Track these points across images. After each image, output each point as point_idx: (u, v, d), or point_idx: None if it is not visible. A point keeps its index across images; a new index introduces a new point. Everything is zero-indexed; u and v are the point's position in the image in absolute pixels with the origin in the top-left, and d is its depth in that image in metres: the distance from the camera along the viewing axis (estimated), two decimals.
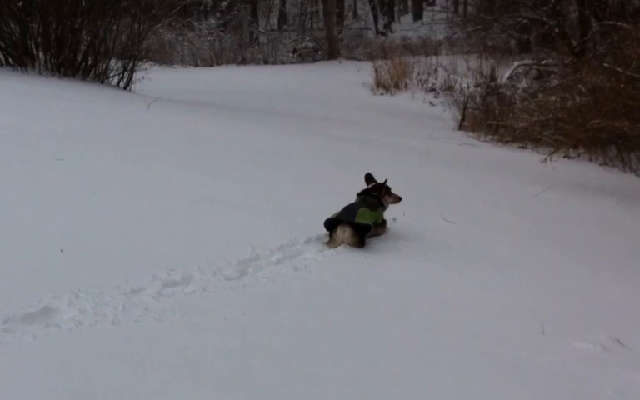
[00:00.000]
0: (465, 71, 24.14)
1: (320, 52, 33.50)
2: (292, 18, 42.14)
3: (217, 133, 11.88)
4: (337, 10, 36.70)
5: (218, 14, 36.71)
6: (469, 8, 39.70)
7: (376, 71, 24.56)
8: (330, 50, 33.21)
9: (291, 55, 33.18)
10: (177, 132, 11.36)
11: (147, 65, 18.32)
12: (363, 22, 42.92)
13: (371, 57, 29.17)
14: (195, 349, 4.50)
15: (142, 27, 17.00)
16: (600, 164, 14.08)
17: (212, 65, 31.14)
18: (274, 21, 42.66)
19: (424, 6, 48.65)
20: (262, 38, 35.45)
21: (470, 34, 28.32)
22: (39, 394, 3.83)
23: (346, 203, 7.31)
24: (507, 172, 12.62)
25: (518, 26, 25.98)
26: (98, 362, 4.21)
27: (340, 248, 6.82)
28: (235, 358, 4.45)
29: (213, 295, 5.42)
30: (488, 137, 16.45)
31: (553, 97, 15.91)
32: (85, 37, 15.76)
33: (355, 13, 47.49)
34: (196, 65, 31.03)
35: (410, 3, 51.95)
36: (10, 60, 15.03)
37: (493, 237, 8.09)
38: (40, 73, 14.89)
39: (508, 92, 19.58)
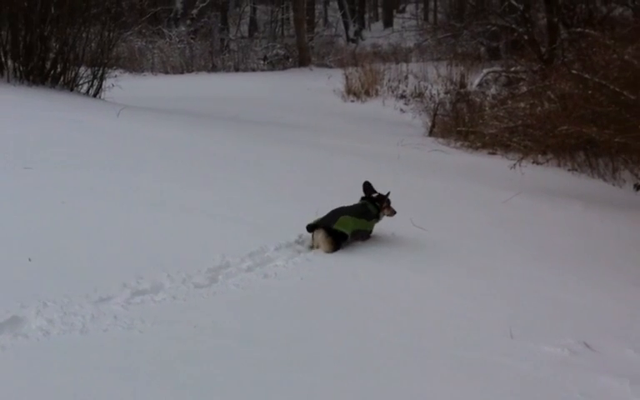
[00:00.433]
0: (435, 77, 24.25)
1: (291, 60, 33.49)
2: (263, 25, 42.09)
3: (187, 141, 11.84)
4: (307, 17, 36.72)
5: (189, 21, 36.58)
6: (439, 16, 40.05)
7: (346, 78, 24.60)
8: (301, 57, 33.21)
9: (261, 62, 33.14)
10: (146, 140, 11.31)
11: (116, 72, 18.23)
12: (334, 30, 42.94)
13: (341, 64, 29.24)
14: (165, 357, 4.48)
15: (111, 35, 16.92)
16: (568, 170, 14.21)
17: (182, 72, 31.04)
18: (245, 28, 42.58)
19: (394, 13, 48.86)
20: (233, 45, 35.35)
21: (440, 41, 28.47)
22: None
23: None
24: (476, 177, 12.69)
25: (488, 33, 26.17)
26: (67, 371, 4.18)
27: (310, 255, 6.85)
28: (205, 366, 4.44)
29: (183, 303, 5.40)
30: (458, 144, 16.53)
31: (522, 104, 16.06)
32: (54, 44, 15.64)
33: (326, 20, 47.58)
34: (166, 72, 30.90)
35: (380, 11, 52.20)
36: None
37: (463, 242, 8.13)
38: (9, 81, 14.76)
39: (478, 99, 19.70)
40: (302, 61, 32.90)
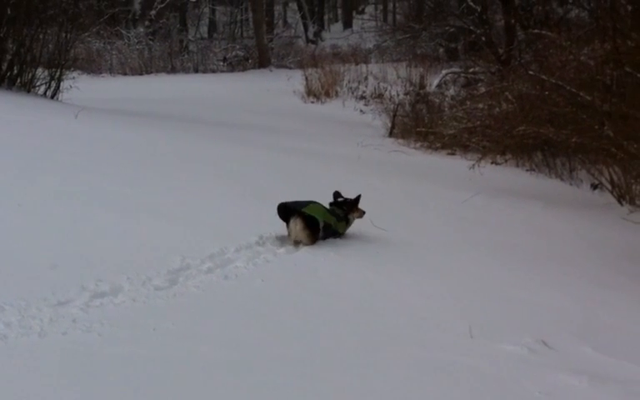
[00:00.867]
0: (394, 79, 24.34)
1: (250, 61, 33.39)
2: (222, 27, 41.90)
3: (146, 143, 11.76)
4: (266, 18, 36.64)
5: (147, 22, 36.28)
6: (398, 17, 40.19)
7: (306, 79, 24.59)
8: (260, 58, 33.15)
9: (221, 63, 33.00)
10: (105, 142, 11.21)
11: (74, 74, 18.01)
12: (293, 31, 42.90)
13: (301, 65, 29.20)
14: (124, 361, 4.45)
15: (69, 36, 16.74)
16: (527, 170, 14.33)
17: (141, 74, 30.80)
18: (204, 29, 42.38)
19: (354, 14, 48.93)
20: (192, 47, 35.13)
21: (399, 42, 28.62)
22: None
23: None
24: (436, 178, 12.76)
25: (446, 34, 26.35)
26: (25, 375, 4.14)
27: (269, 255, 6.86)
28: (165, 369, 4.42)
29: (143, 305, 5.38)
30: (418, 144, 16.59)
31: (481, 105, 16.17)
32: (10, 45, 15.45)
33: (285, 22, 47.53)
34: (125, 74, 30.64)
35: (340, 12, 52.24)
36: None
37: (423, 242, 8.18)
38: None
39: (437, 100, 19.80)
40: (262, 62, 32.84)
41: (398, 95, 21.61)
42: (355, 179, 10.71)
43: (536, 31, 17.19)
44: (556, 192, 12.58)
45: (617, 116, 11.05)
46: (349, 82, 25.40)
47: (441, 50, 28.25)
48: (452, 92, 21.19)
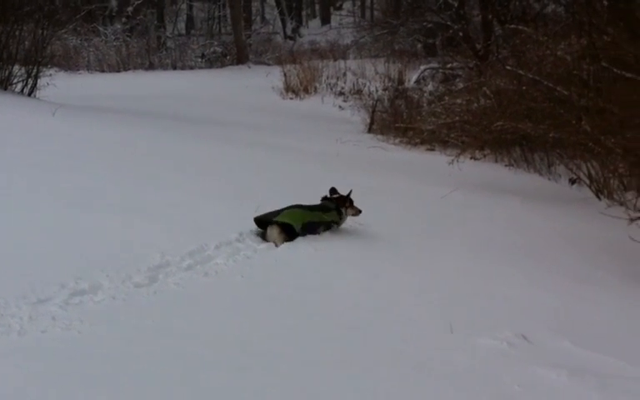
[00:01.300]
0: (373, 74, 24.37)
1: (228, 57, 33.27)
2: (200, 23, 41.71)
3: (124, 140, 11.71)
4: (244, 15, 36.53)
5: (124, 19, 36.06)
6: (376, 13, 40.20)
7: (285, 75, 24.55)
8: (238, 55, 33.02)
9: (199, 60, 32.85)
10: (83, 139, 11.16)
11: (51, 71, 17.87)
12: (271, 27, 42.81)
13: (279, 61, 29.13)
14: (104, 358, 4.44)
15: (45, 33, 16.60)
16: (505, 165, 14.40)
17: (119, 70, 30.61)
18: (182, 26, 42.21)
19: (332, 10, 48.92)
20: (170, 43, 34.96)
21: (377, 38, 28.61)
22: None
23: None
24: (415, 173, 12.80)
25: (424, 30, 26.37)
26: (4, 373, 4.12)
27: (249, 252, 6.88)
28: (145, 367, 4.41)
29: (123, 303, 5.37)
30: (397, 140, 16.63)
31: (459, 100, 16.22)
32: None
33: (263, 18, 47.39)
34: (102, 71, 30.43)
35: (317, 8, 52.20)
36: None
37: (402, 237, 8.20)
38: None
39: (416, 96, 19.86)
40: (240, 58, 32.72)
41: (377, 91, 21.66)
42: (334, 176, 10.71)
43: (513, 26, 17.19)
44: (534, 186, 12.65)
45: (594, 111, 11.13)
46: (328, 78, 25.38)
47: (419, 46, 28.31)
48: (430, 87, 21.27)
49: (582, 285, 7.35)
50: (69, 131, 11.63)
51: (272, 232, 7.33)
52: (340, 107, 22.45)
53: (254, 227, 7.45)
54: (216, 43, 34.73)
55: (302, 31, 44.38)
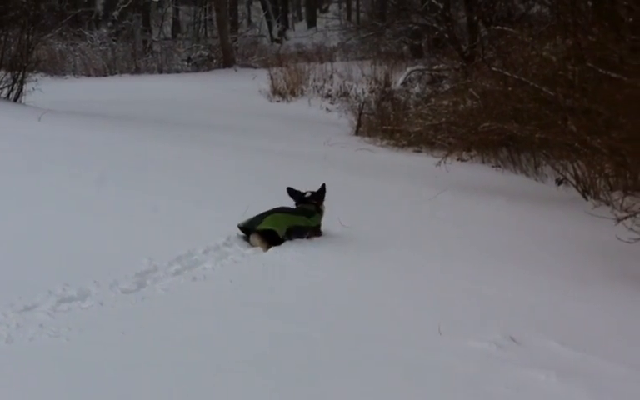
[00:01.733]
0: (360, 77, 24.41)
1: (215, 60, 33.23)
2: (186, 27, 41.74)
3: (111, 144, 11.67)
4: (230, 18, 36.55)
5: (110, 23, 36.00)
6: (362, 15, 40.25)
7: (272, 78, 24.55)
8: (225, 58, 32.99)
9: (186, 63, 32.82)
10: (70, 144, 11.11)
11: (37, 76, 17.80)
12: (258, 30, 42.88)
13: (266, 64, 29.14)
14: (92, 365, 4.42)
15: (31, 38, 16.56)
16: (492, 166, 14.43)
17: (105, 75, 30.53)
18: (168, 29, 42.15)
19: (318, 13, 48.97)
20: (156, 47, 34.92)
21: (363, 40, 28.70)
22: None
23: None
24: (403, 175, 12.81)
25: (410, 32, 26.44)
26: None
27: (237, 257, 6.87)
28: (134, 373, 4.39)
29: (111, 309, 5.35)
30: (384, 142, 16.65)
31: (446, 102, 16.27)
32: None
33: (249, 21, 47.42)
34: (88, 75, 30.35)
35: (304, 10, 52.24)
36: None
37: (391, 240, 8.20)
38: None
39: (402, 98, 19.91)
40: (227, 62, 32.69)
41: (364, 93, 21.71)
42: (321, 178, 10.69)
43: (498, 27, 17.26)
44: (521, 187, 12.68)
45: (580, 111, 11.15)
46: (314, 80, 25.40)
47: (405, 47, 28.37)
48: (417, 89, 21.32)
49: (570, 285, 7.36)
50: (55, 136, 11.57)
51: (255, 240, 7.28)
52: (327, 109, 22.48)
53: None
54: (202, 47, 34.72)
55: (289, 34, 44.45)
